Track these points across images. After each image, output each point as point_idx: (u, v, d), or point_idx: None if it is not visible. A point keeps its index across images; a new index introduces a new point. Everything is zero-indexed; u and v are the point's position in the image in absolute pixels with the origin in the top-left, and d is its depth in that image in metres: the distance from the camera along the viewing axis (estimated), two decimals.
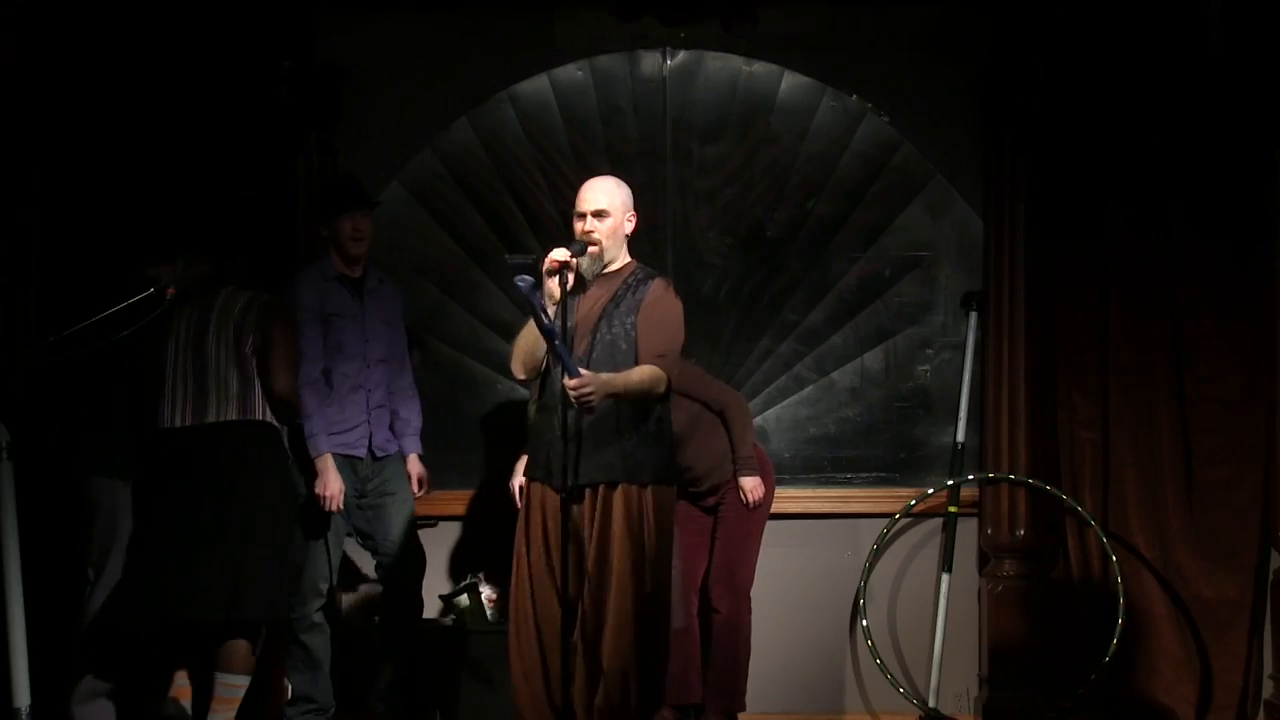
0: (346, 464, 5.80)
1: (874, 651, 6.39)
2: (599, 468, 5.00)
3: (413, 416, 6.01)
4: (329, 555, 5.80)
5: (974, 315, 6.53)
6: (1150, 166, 6.40)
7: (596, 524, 5.00)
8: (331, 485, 5.70)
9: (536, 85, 6.64)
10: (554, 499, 5.03)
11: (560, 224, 6.62)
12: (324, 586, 5.80)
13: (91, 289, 5.58)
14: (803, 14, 6.63)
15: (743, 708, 6.10)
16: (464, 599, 6.20)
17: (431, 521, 6.40)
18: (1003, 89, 6.43)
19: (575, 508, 4.98)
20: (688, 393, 5.97)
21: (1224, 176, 6.34)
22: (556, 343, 4.86)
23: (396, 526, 5.88)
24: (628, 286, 5.12)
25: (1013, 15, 6.42)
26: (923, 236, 6.63)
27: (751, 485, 5.97)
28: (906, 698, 6.42)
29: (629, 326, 5.05)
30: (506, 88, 6.63)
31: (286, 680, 5.82)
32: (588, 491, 5.01)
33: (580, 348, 5.02)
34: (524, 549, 5.09)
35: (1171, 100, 6.36)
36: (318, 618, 5.79)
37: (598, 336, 5.06)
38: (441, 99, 6.61)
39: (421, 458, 6.03)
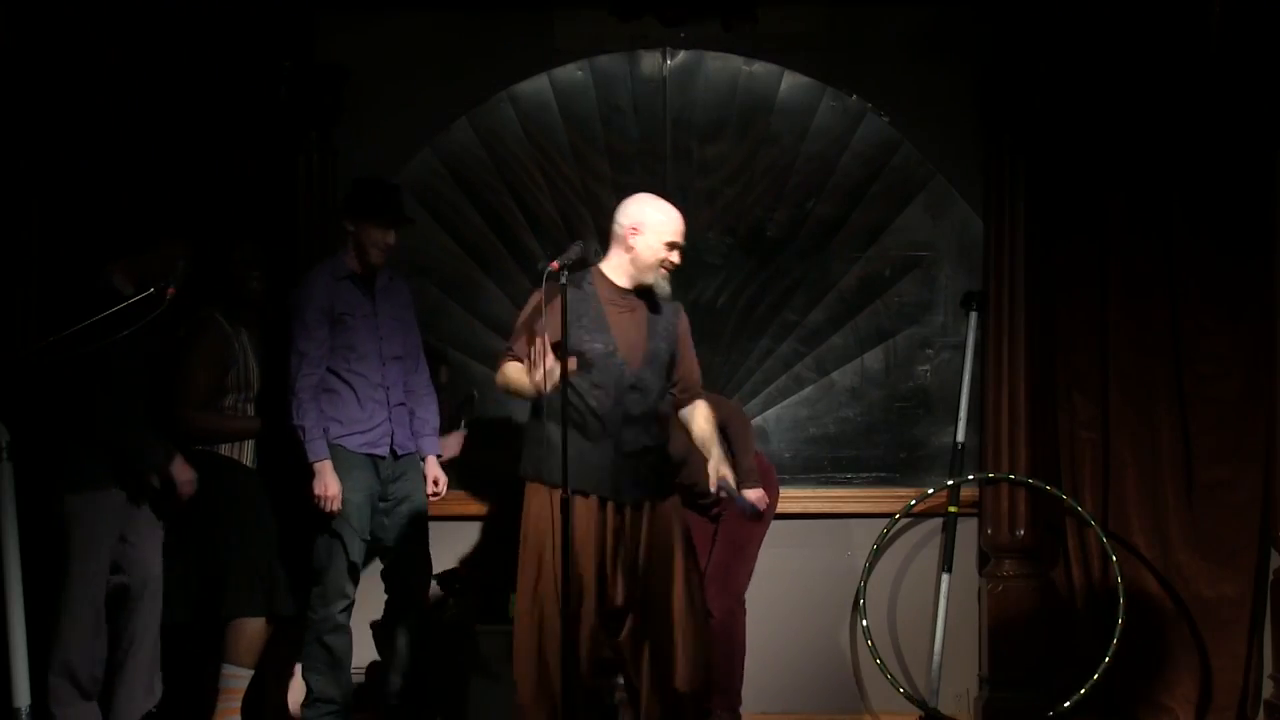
0: (369, 464, 5.77)
1: (874, 651, 6.39)
2: (657, 484, 5.26)
3: (430, 416, 5.97)
4: (349, 556, 5.73)
5: (974, 315, 6.53)
6: (1150, 166, 6.39)
7: (648, 534, 5.20)
8: (330, 486, 5.66)
9: (536, 85, 6.64)
10: (595, 510, 5.14)
11: (560, 224, 6.63)
12: (349, 588, 5.75)
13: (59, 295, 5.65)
14: (803, 14, 6.63)
15: (739, 702, 6.11)
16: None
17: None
18: (1003, 89, 6.43)
19: (621, 519, 5.17)
20: None
21: (1224, 177, 6.34)
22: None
23: (410, 529, 5.86)
24: (651, 306, 5.31)
25: (1013, 15, 6.42)
26: (923, 236, 6.63)
27: (756, 498, 5.95)
28: (907, 698, 6.41)
29: (670, 343, 5.31)
30: (506, 88, 6.63)
31: (304, 680, 5.82)
32: (645, 503, 5.23)
33: (637, 362, 5.20)
34: (548, 555, 5.09)
35: (1172, 100, 6.36)
36: (342, 619, 5.74)
37: (647, 351, 5.24)
38: (441, 99, 6.61)
39: (439, 459, 6.01)
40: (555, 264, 5.03)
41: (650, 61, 6.66)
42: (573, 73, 6.64)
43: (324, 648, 5.73)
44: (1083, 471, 6.46)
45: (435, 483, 5.96)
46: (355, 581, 5.79)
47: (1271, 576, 6.25)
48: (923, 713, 6.41)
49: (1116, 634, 6.19)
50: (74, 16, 6.08)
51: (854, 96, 6.61)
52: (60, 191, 6.11)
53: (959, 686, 6.49)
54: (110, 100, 6.15)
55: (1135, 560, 6.37)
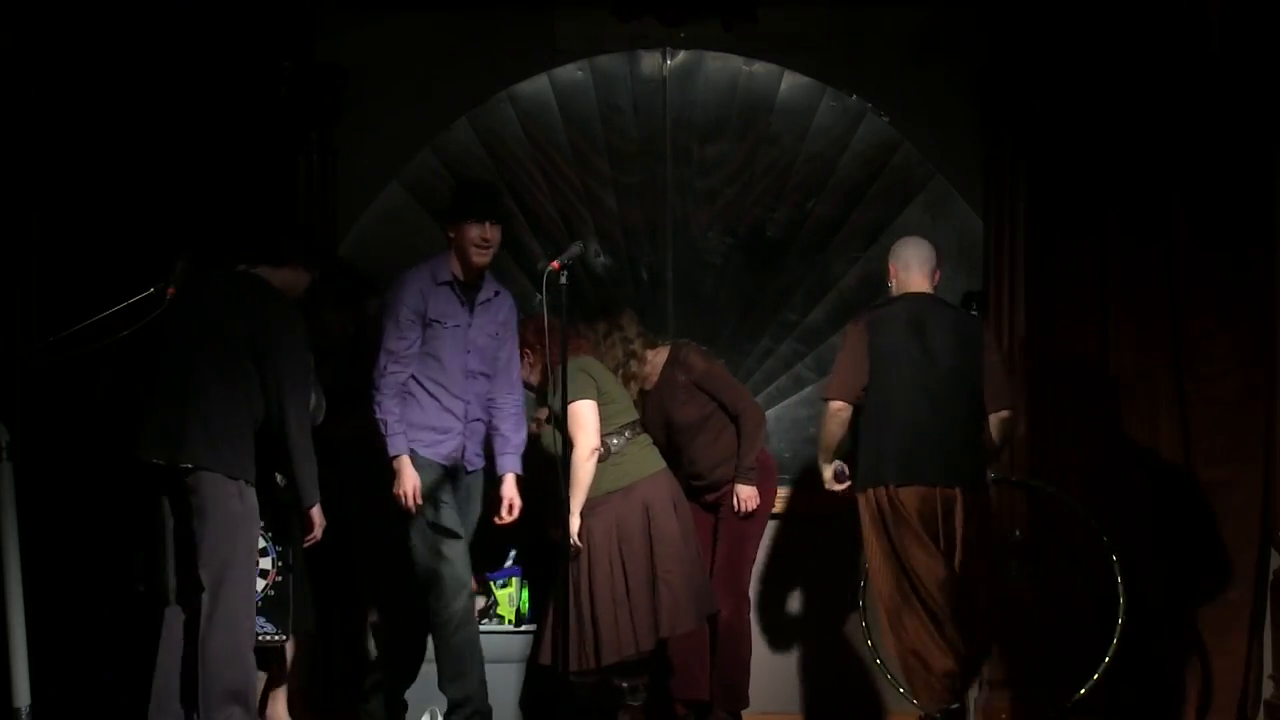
0: (440, 468, 5.60)
1: (874, 651, 6.39)
2: None
3: (513, 434, 5.72)
4: (451, 549, 5.55)
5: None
6: (1150, 166, 6.39)
7: None
8: (407, 483, 5.50)
9: (536, 85, 6.64)
10: None
11: (560, 224, 6.63)
12: (465, 576, 5.58)
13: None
14: (803, 14, 6.63)
15: (746, 704, 6.11)
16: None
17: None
18: (1002, 89, 6.43)
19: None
20: (709, 389, 5.96)
21: (1224, 177, 6.33)
22: None
23: (467, 537, 5.69)
24: None
25: (1012, 15, 6.42)
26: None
27: (747, 495, 5.95)
28: (906, 698, 6.41)
29: None
30: (506, 88, 6.63)
31: (440, 689, 5.67)
32: None
33: None
34: None
35: (1172, 100, 6.36)
36: (467, 612, 5.58)
37: None
38: (441, 99, 6.61)
39: (519, 478, 5.73)
40: (555, 264, 5.04)
41: (650, 61, 6.66)
42: (573, 73, 6.64)
43: (452, 649, 5.56)
44: (1083, 471, 6.45)
45: (510, 506, 5.67)
46: (469, 571, 5.61)
47: (1271, 576, 6.25)
48: (923, 713, 6.40)
49: (1116, 634, 6.19)
50: (74, 17, 6.08)
51: (854, 96, 6.61)
52: (60, 192, 6.11)
53: None
54: (110, 100, 6.16)
55: (1135, 560, 6.36)
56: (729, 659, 6.05)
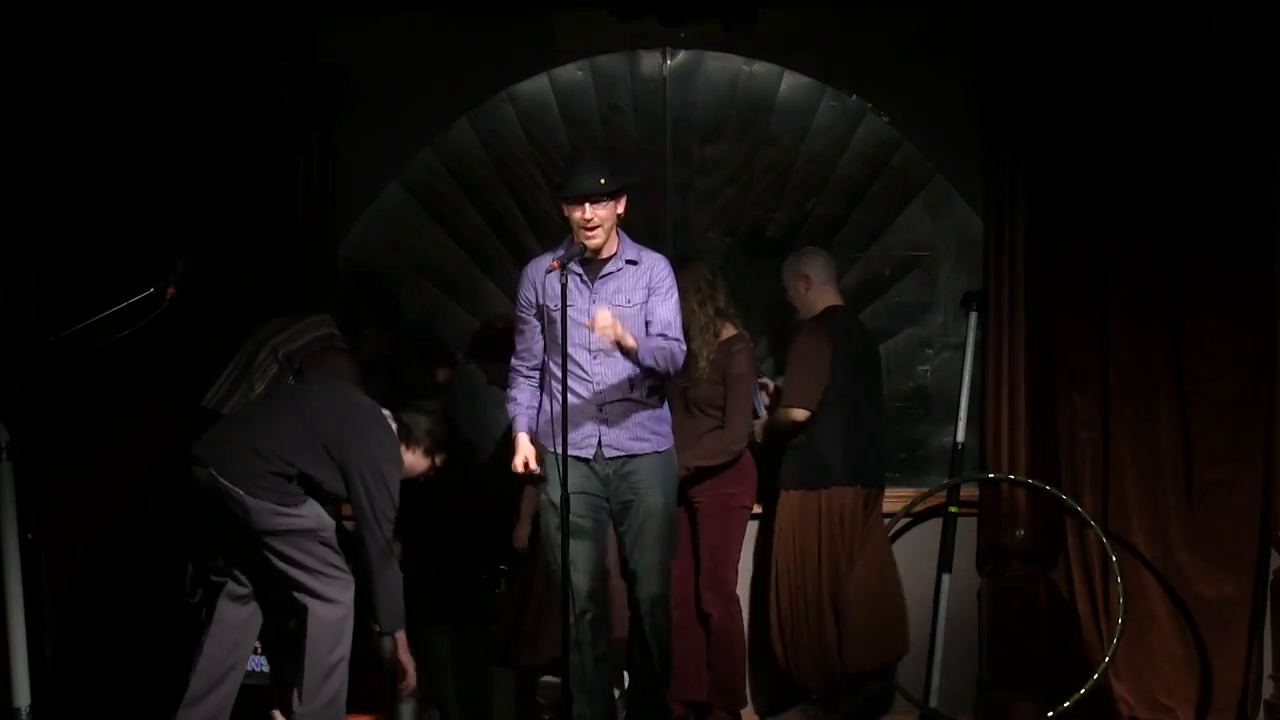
0: (577, 462, 5.24)
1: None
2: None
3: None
4: (559, 561, 5.17)
5: (974, 315, 6.53)
6: (1150, 166, 6.39)
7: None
8: (518, 453, 5.30)
9: (536, 85, 6.64)
10: None
11: (560, 224, 6.62)
12: (578, 599, 5.27)
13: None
14: (803, 14, 6.64)
15: (745, 703, 6.12)
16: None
17: None
18: (1002, 89, 6.43)
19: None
20: (729, 389, 5.95)
21: (1224, 177, 6.33)
22: None
23: (645, 534, 5.35)
24: None
25: (1012, 15, 6.41)
26: (923, 236, 6.64)
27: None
28: (906, 697, 6.41)
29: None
30: (506, 88, 6.64)
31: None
32: None
33: None
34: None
35: (1171, 100, 6.35)
36: (582, 634, 5.31)
37: None
38: (441, 99, 6.61)
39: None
40: (555, 263, 5.04)
41: (650, 61, 6.66)
42: (573, 73, 6.64)
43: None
44: (1083, 471, 6.45)
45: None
46: (586, 586, 5.28)
47: (1271, 576, 6.24)
48: (922, 713, 6.41)
49: (1116, 634, 6.19)
50: (74, 17, 6.08)
51: (854, 96, 6.61)
52: (61, 192, 6.11)
53: (959, 686, 6.49)
54: (110, 100, 6.16)
55: (1135, 560, 6.36)
56: (723, 661, 6.05)
